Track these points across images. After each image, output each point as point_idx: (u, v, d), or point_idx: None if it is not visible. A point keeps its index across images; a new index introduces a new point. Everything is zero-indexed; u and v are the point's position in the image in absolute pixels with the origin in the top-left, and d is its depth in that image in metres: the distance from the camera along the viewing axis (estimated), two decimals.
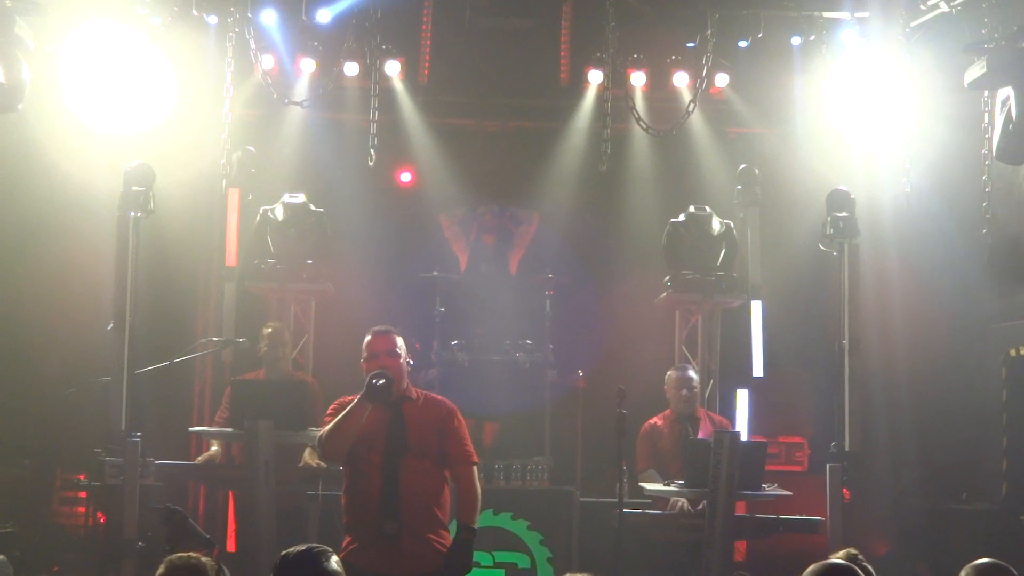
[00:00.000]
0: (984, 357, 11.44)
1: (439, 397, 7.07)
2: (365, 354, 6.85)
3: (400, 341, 6.88)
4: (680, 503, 9.13)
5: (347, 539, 6.70)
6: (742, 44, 10.87)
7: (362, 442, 6.67)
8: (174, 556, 4.87)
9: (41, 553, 10.04)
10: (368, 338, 6.88)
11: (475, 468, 6.88)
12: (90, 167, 10.49)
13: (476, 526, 6.78)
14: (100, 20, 9.79)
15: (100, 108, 10.05)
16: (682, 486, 8.89)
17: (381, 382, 6.57)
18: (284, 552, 4.49)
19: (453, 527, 6.89)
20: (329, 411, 6.89)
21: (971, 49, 9.29)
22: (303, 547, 4.47)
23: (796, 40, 10.65)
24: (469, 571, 6.73)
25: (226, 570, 4.95)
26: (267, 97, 10.80)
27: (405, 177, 12.63)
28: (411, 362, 7.02)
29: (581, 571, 9.49)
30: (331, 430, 6.68)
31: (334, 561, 4.43)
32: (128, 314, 9.05)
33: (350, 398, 6.75)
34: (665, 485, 8.99)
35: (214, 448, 9.74)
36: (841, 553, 5.57)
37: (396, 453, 6.65)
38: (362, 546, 6.45)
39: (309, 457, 9.41)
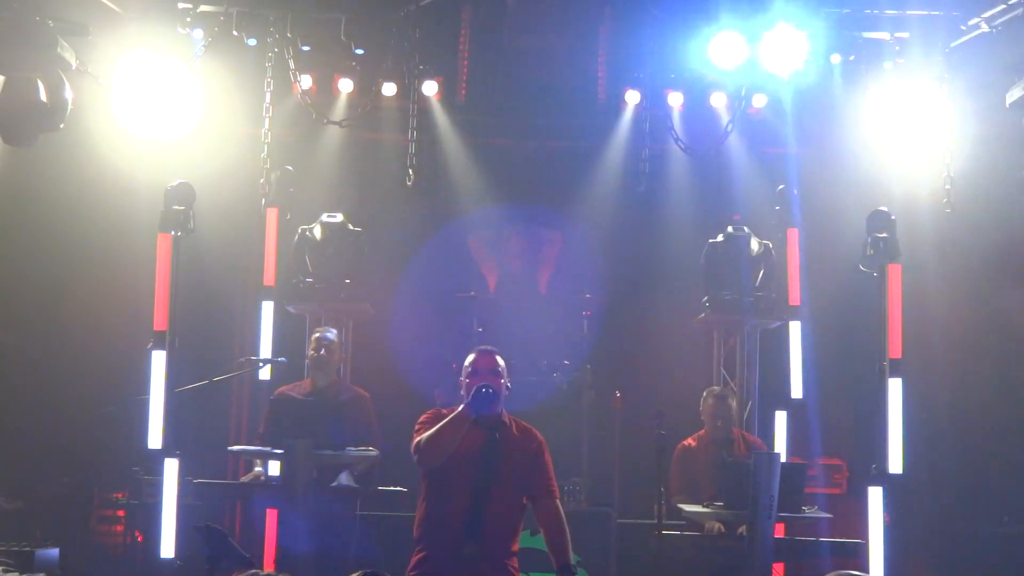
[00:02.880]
0: None
1: (529, 426, 6.96)
2: (468, 371, 6.77)
3: (502, 363, 6.81)
4: (716, 526, 9.09)
5: (419, 554, 6.64)
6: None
7: (455, 460, 6.59)
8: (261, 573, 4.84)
9: (80, 571, 10.06)
10: (472, 356, 6.81)
11: (559, 503, 6.85)
12: (130, 184, 10.59)
13: (575, 565, 6.76)
14: (142, 49, 9.85)
15: (142, 119, 10.09)
16: (721, 508, 8.85)
17: (489, 391, 6.50)
18: None
19: None
20: (422, 419, 6.78)
21: (1012, 69, 9.25)
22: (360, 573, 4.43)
23: (835, 62, 10.57)
24: None
25: None
26: (305, 117, 10.85)
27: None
28: (510, 386, 6.91)
29: None
30: (431, 437, 6.58)
31: None
32: (168, 333, 9.11)
33: (445, 411, 6.70)
34: (704, 507, 8.95)
35: (257, 468, 9.75)
36: None
37: (488, 478, 6.58)
38: (436, 564, 6.38)
39: (345, 480, 9.42)
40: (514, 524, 6.74)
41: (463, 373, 6.81)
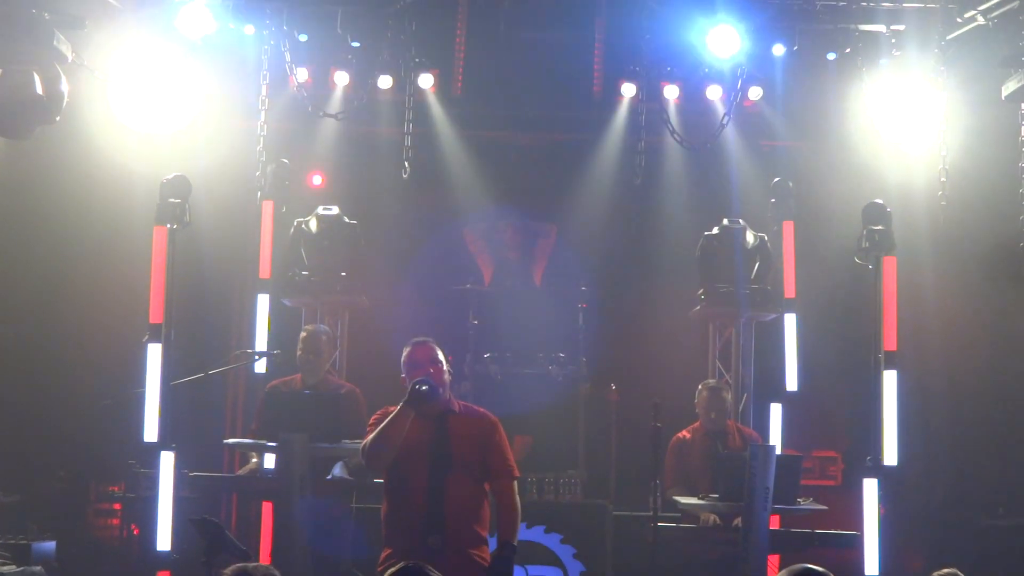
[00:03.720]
0: (1020, 371, 11.37)
1: (480, 409, 6.98)
2: (406, 366, 6.78)
3: (440, 352, 6.81)
4: (711, 518, 9.10)
5: (386, 551, 6.66)
6: (777, 54, 10.78)
7: (406, 455, 6.60)
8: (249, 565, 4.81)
9: (77, 565, 10.07)
10: (407, 350, 6.81)
11: (515, 483, 6.83)
12: (125, 178, 10.59)
13: (516, 542, 6.71)
14: (138, 42, 9.85)
15: (138, 112, 10.11)
16: (716, 500, 8.86)
17: (424, 387, 6.50)
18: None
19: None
20: (372, 421, 6.80)
21: (1008, 62, 9.26)
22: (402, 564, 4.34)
23: (831, 56, 10.57)
24: None
25: None
26: (301, 110, 10.85)
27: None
28: (451, 372, 6.95)
29: None
30: (375, 439, 6.62)
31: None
32: (164, 326, 9.11)
33: (392, 408, 6.68)
34: (699, 499, 8.96)
35: (254, 460, 9.77)
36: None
37: (441, 467, 6.60)
38: (403, 559, 6.37)
39: (340, 472, 9.43)
40: (476, 511, 6.71)
41: (402, 368, 6.80)
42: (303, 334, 10.00)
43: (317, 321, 10.80)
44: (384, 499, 6.82)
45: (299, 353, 9.90)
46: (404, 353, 6.83)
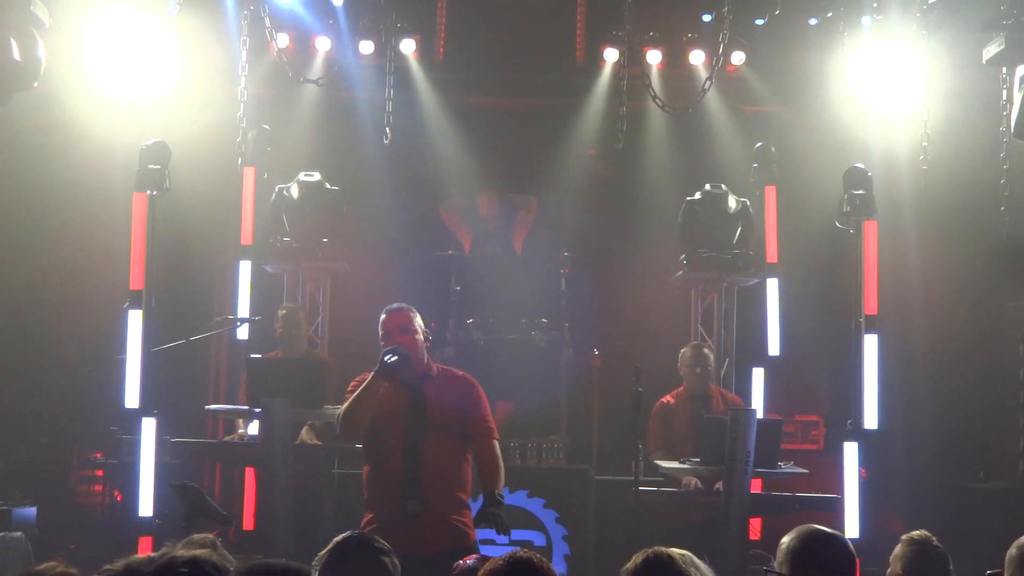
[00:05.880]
0: (1001, 335, 11.42)
1: (460, 372, 6.97)
2: (380, 333, 6.74)
3: (415, 318, 6.76)
4: (693, 482, 9.13)
5: (368, 516, 6.65)
6: (758, 22, 10.78)
7: (382, 420, 6.59)
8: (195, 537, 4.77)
9: (59, 530, 10.08)
10: (382, 317, 6.76)
11: (496, 443, 6.79)
12: (105, 144, 10.54)
13: (500, 494, 6.63)
14: (117, 6, 9.77)
15: (117, 79, 10.01)
16: (697, 464, 8.89)
17: (393, 359, 6.48)
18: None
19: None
20: (349, 388, 6.78)
21: (989, 26, 9.24)
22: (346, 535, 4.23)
23: (813, 21, 10.56)
24: (505, 529, 6.58)
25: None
26: (282, 75, 10.79)
27: None
28: (429, 338, 6.91)
29: (597, 549, 9.52)
30: (347, 408, 6.60)
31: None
32: (145, 293, 9.09)
33: (368, 375, 6.66)
34: (681, 463, 8.99)
35: (240, 430, 9.77)
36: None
37: (417, 432, 6.56)
38: (383, 525, 6.34)
39: (306, 435, 9.44)
40: (456, 476, 6.68)
41: (379, 334, 6.77)
42: (282, 311, 10.05)
43: (299, 287, 10.81)
44: (364, 462, 6.82)
45: (279, 330, 9.94)
46: (380, 320, 6.79)
